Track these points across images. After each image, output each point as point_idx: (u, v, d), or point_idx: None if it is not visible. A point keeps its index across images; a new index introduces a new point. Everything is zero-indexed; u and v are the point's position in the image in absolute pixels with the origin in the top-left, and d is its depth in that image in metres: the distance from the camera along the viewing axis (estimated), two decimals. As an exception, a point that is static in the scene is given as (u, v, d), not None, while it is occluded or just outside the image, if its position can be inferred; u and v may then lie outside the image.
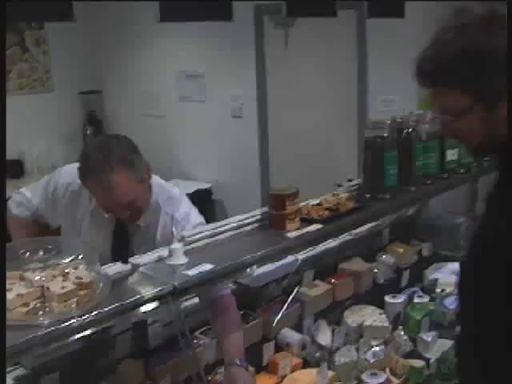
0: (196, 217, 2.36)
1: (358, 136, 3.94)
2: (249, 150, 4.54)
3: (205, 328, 2.38)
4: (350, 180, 3.22)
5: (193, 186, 4.78)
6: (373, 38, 3.80)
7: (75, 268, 1.60)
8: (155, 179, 2.39)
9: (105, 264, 1.98)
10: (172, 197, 2.40)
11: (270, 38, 4.34)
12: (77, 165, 2.25)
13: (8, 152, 5.08)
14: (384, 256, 3.07)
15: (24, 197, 2.58)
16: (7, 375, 1.98)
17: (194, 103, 4.94)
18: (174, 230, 2.25)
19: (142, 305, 1.64)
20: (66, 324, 1.49)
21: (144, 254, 2.03)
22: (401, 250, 3.17)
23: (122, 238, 2.38)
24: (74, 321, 1.50)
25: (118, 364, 2.18)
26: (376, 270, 3.00)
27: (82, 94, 5.53)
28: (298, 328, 2.58)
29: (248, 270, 1.95)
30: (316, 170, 4.27)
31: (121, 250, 2.33)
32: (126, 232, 2.38)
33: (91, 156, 2.15)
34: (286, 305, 2.59)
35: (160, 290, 1.68)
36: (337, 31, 3.95)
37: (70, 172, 2.40)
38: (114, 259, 2.11)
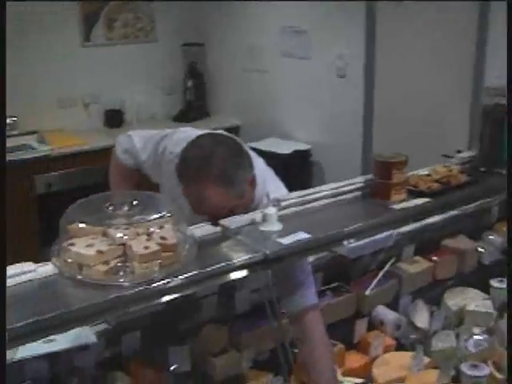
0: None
1: (472, 104, 3.65)
2: (352, 111, 4.32)
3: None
4: (460, 151, 2.98)
5: (291, 147, 4.63)
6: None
7: (161, 227, 1.49)
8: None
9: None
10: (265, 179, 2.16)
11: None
12: (190, 134, 2.13)
13: (109, 101, 5.16)
14: (491, 236, 2.84)
15: (133, 146, 2.43)
16: (90, 328, 1.95)
17: (297, 60, 4.74)
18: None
19: (228, 272, 1.52)
20: (147, 287, 1.39)
21: None
22: (510, 230, 2.91)
23: None
24: (155, 285, 1.40)
25: (202, 328, 2.09)
26: (482, 250, 2.77)
27: (184, 46, 5.44)
28: (394, 306, 2.41)
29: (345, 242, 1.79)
30: (423, 137, 4.01)
31: None
32: None
33: (190, 165, 1.93)
34: (377, 278, 2.43)
35: (250, 258, 1.55)
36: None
37: (181, 142, 2.16)
38: None
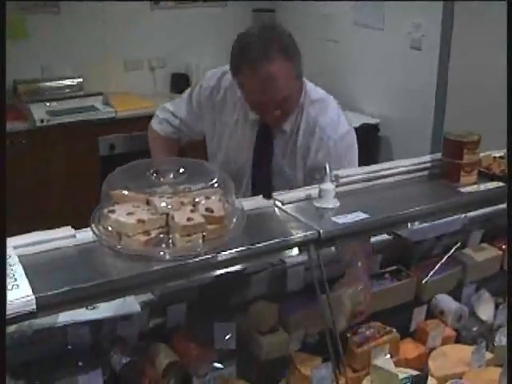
0: (344, 126, 2.19)
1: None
2: (425, 86, 4.11)
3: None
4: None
5: (360, 120, 4.47)
6: None
7: (207, 198, 1.39)
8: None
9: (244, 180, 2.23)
10: (318, 99, 2.22)
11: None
12: (223, 68, 2.22)
13: (175, 65, 5.10)
14: None
15: (167, 112, 2.50)
16: (134, 298, 1.89)
17: (370, 30, 4.55)
18: (317, 137, 2.12)
19: (277, 251, 1.42)
20: (188, 261, 1.30)
21: (286, 165, 2.17)
22: None
23: (264, 146, 2.23)
24: (198, 259, 1.30)
25: (251, 304, 2.00)
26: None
27: (254, 12, 5.31)
28: (456, 295, 2.25)
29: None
30: (499, 116, 3.77)
31: (262, 159, 2.22)
32: (270, 138, 2.21)
33: (250, 44, 1.97)
34: (439, 264, 2.27)
35: (301, 237, 1.44)
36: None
37: (215, 75, 2.32)
38: (255, 172, 2.24)
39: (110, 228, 1.35)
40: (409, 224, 1.67)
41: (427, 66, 4.08)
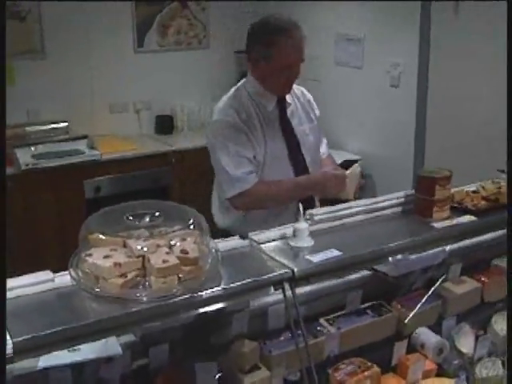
0: None
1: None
2: (404, 123, 4.20)
3: (334, 315, 2.15)
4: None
5: (342, 156, 4.51)
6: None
7: (183, 240, 1.43)
8: None
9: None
10: None
11: (438, 3, 3.93)
12: (223, 101, 2.62)
13: (160, 107, 5.17)
14: (548, 256, 2.67)
15: (232, 172, 2.57)
16: (118, 339, 1.90)
17: (350, 69, 4.65)
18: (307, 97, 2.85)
19: (252, 290, 1.44)
20: (165, 303, 1.33)
21: (306, 128, 2.77)
22: None
23: (288, 125, 2.70)
24: (173, 301, 1.33)
25: (233, 343, 2.02)
26: (536, 272, 2.61)
27: (237, 53, 5.40)
28: (437, 329, 2.28)
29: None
30: (478, 150, 3.85)
31: (292, 138, 2.69)
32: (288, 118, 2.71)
33: (277, 20, 2.54)
34: (424, 299, 2.30)
35: (277, 276, 1.47)
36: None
37: (226, 106, 2.60)
38: (292, 156, 2.68)
39: (87, 271, 1.38)
40: (388, 259, 1.70)
41: (406, 103, 4.17)
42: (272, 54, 2.50)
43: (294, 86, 2.74)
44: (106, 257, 1.36)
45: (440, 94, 4.07)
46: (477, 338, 2.23)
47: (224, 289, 1.41)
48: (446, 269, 2.44)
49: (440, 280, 2.41)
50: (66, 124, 4.70)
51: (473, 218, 1.81)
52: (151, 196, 4.54)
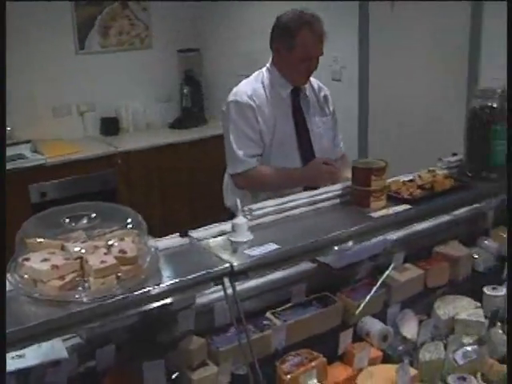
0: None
1: (467, 106, 3.56)
2: (347, 115, 4.26)
3: (280, 308, 2.18)
4: (455, 154, 2.91)
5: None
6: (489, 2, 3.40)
7: (121, 240, 1.43)
8: None
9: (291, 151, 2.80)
10: None
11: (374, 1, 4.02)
12: (239, 87, 2.80)
13: (105, 109, 5.13)
14: (486, 241, 2.75)
15: (237, 152, 2.74)
16: (64, 343, 1.89)
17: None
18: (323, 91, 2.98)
19: (191, 286, 1.46)
20: (104, 303, 1.33)
21: (319, 121, 2.91)
22: (506, 236, 2.82)
23: (300, 115, 2.84)
24: (113, 300, 1.34)
25: (180, 340, 2.02)
26: (476, 256, 2.69)
27: (180, 53, 5.40)
28: (382, 316, 2.32)
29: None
30: (419, 141, 3.94)
31: (302, 126, 2.83)
32: (301, 107, 2.85)
33: (301, 12, 2.72)
34: (374, 289, 2.34)
35: (216, 271, 1.48)
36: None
37: (242, 89, 2.80)
38: (300, 142, 2.82)
39: (25, 276, 1.37)
40: (330, 251, 1.73)
41: (348, 97, 4.22)
42: (294, 44, 2.68)
43: (313, 80, 2.92)
44: (43, 260, 1.36)
45: (380, 88, 4.15)
46: (420, 323, 2.28)
47: (163, 286, 1.41)
48: (389, 258, 2.49)
49: (390, 269, 2.45)
50: (9, 129, 4.62)
51: (408, 206, 1.86)
52: (98, 199, 4.51)
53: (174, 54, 5.40)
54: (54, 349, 1.86)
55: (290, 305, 2.24)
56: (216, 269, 1.49)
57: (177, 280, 1.43)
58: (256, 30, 4.98)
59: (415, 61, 3.91)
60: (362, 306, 2.30)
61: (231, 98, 2.80)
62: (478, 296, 2.47)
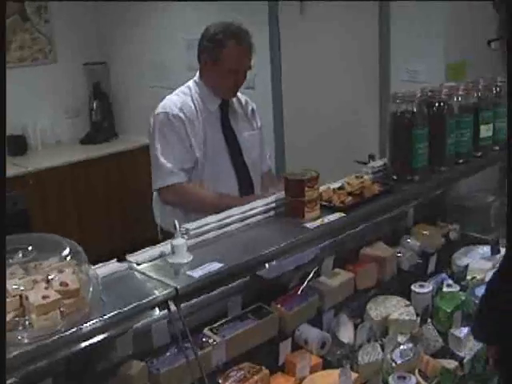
0: None
1: (380, 110, 3.66)
2: (262, 122, 4.28)
3: (217, 324, 2.16)
4: (372, 156, 2.98)
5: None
6: (396, 5, 3.51)
7: (60, 271, 1.37)
8: None
9: (221, 156, 2.80)
10: None
11: (284, 6, 4.06)
12: (170, 98, 2.79)
13: (10, 127, 4.94)
14: (409, 240, 2.83)
15: (166, 165, 2.68)
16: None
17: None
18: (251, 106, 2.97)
19: (138, 314, 1.42)
20: (48, 341, 1.27)
21: (248, 135, 2.92)
22: (427, 233, 2.90)
23: (229, 128, 2.83)
24: (58, 337, 1.28)
25: (120, 366, 1.96)
26: (400, 255, 2.75)
27: (86, 66, 5.28)
28: (317, 323, 2.34)
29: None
30: (335, 146, 4.02)
31: (233, 141, 2.83)
32: (230, 121, 2.85)
33: (229, 25, 2.69)
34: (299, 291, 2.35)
35: (160, 296, 1.45)
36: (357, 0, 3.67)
37: (170, 102, 2.77)
38: (233, 160, 2.83)
39: (-41, 318, 1.29)
40: (271, 263, 1.73)
41: (263, 105, 4.24)
42: (220, 56, 2.67)
43: (239, 95, 2.91)
44: (-23, 301, 1.28)
45: (294, 94, 4.20)
46: (355, 326, 2.32)
47: (109, 318, 1.37)
48: (319, 263, 2.52)
49: (314, 274, 2.47)
50: None
51: (342, 214, 1.88)
52: (10, 222, 4.33)
53: (80, 67, 5.29)
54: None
55: (226, 319, 2.22)
56: (160, 294, 1.45)
57: (124, 309, 1.39)
58: (163, 40, 4.96)
59: (327, 65, 3.98)
60: (297, 313, 2.31)
61: (160, 109, 2.76)
62: (405, 294, 2.54)
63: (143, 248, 1.77)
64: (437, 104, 2.25)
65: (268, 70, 4.17)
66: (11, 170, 4.64)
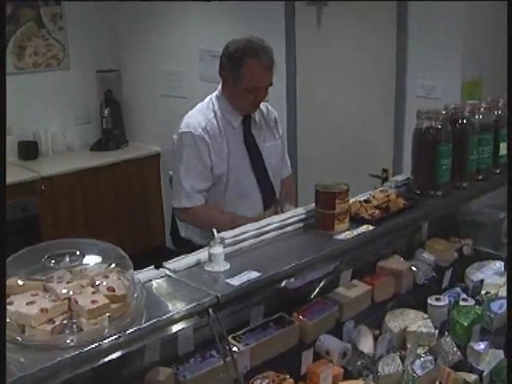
0: None
1: (395, 125, 3.70)
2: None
3: (239, 333, 2.18)
4: (385, 170, 3.01)
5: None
6: (413, 19, 3.55)
7: (106, 277, 1.40)
8: None
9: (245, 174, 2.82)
10: None
11: (301, 15, 4.09)
12: (192, 116, 2.76)
13: (23, 133, 4.96)
14: (424, 254, 2.86)
15: (184, 187, 2.70)
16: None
17: (216, 84, 4.70)
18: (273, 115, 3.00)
19: (183, 319, 1.45)
20: (97, 345, 1.30)
21: (270, 145, 2.94)
22: (441, 248, 2.94)
23: (252, 142, 2.85)
24: (106, 341, 1.31)
25: (147, 373, 1.99)
26: (415, 269, 2.78)
27: (99, 73, 5.31)
28: (337, 333, 2.37)
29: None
30: (348, 159, 4.04)
31: (256, 155, 2.85)
32: (253, 135, 2.86)
33: (250, 41, 2.65)
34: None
35: (203, 303, 1.48)
36: (375, 10, 3.70)
37: (194, 121, 2.74)
38: (257, 175, 2.86)
39: (8, 320, 1.32)
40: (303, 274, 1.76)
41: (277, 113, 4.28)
42: (240, 74, 2.65)
43: (261, 104, 2.88)
44: (29, 303, 1.31)
45: (308, 104, 4.23)
46: (375, 337, 2.35)
47: (153, 323, 1.39)
48: (337, 275, 2.55)
49: (332, 286, 2.50)
50: None
51: (370, 227, 1.91)
52: (21, 227, 4.35)
53: (92, 74, 5.31)
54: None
55: (248, 328, 2.25)
56: (203, 301, 1.48)
57: (166, 316, 1.41)
58: (176, 49, 4.99)
59: (342, 77, 4.02)
60: (317, 323, 2.34)
61: (185, 129, 2.75)
62: (421, 307, 2.57)
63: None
64: (460, 121, 2.29)
65: (283, 82, 4.20)
66: (22, 175, 4.66)
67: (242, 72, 2.65)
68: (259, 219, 2.49)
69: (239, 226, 2.51)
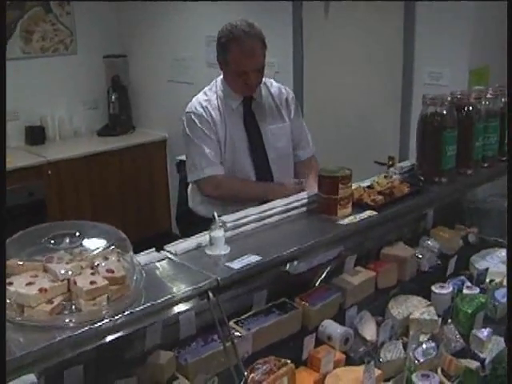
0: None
1: (402, 112, 3.68)
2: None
3: (241, 317, 2.18)
4: (392, 157, 3.00)
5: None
6: (421, 7, 3.52)
7: (105, 258, 1.40)
8: None
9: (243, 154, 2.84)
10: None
11: (309, 5, 4.08)
12: (196, 98, 2.83)
13: (30, 117, 4.97)
14: (429, 241, 2.85)
15: (205, 158, 2.75)
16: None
17: (223, 70, 4.71)
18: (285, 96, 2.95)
19: (181, 302, 1.44)
20: (96, 325, 1.30)
21: (274, 127, 2.91)
22: (446, 235, 2.93)
23: (253, 123, 2.86)
24: (105, 322, 1.31)
25: (149, 356, 1.99)
26: (420, 256, 2.78)
27: (106, 58, 5.30)
28: (339, 319, 2.37)
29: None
30: (354, 146, 4.03)
31: (255, 137, 2.86)
32: (254, 116, 2.87)
33: (236, 27, 2.66)
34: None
35: (202, 286, 1.48)
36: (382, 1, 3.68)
37: (196, 102, 2.82)
38: (254, 157, 2.85)
39: (8, 301, 1.32)
40: (306, 258, 1.76)
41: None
42: (227, 59, 2.71)
43: (275, 85, 2.95)
44: (28, 284, 1.31)
45: (315, 93, 4.21)
46: (377, 323, 2.35)
47: (152, 305, 1.39)
48: (341, 262, 2.55)
49: (336, 272, 2.49)
50: None
51: (373, 212, 1.90)
52: (27, 211, 4.36)
53: (99, 59, 5.30)
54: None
55: (250, 313, 2.25)
56: (201, 284, 1.48)
57: (166, 298, 1.41)
58: (183, 35, 4.97)
59: (349, 65, 4.00)
60: (320, 309, 2.34)
61: (187, 109, 2.85)
62: (424, 294, 2.57)
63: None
64: (466, 108, 2.27)
65: (290, 70, 4.19)
66: (28, 160, 4.68)
67: (228, 57, 2.71)
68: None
69: (264, 194, 2.63)
